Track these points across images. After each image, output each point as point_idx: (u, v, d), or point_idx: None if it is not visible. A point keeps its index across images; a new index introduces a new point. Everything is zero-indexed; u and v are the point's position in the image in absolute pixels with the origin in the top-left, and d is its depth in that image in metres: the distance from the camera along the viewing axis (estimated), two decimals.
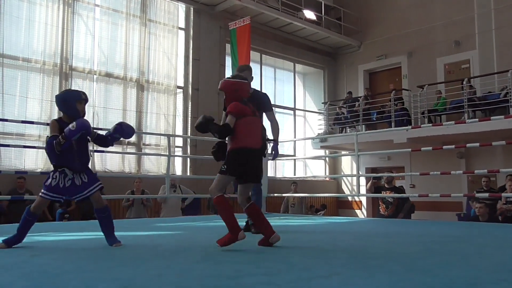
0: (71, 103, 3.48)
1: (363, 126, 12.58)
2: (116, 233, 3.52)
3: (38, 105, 9.06)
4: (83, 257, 2.94)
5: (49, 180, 3.38)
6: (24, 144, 8.37)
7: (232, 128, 3.40)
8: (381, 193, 7.99)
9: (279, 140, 4.63)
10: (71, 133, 3.25)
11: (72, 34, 9.59)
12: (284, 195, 9.68)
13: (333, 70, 15.49)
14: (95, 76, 9.95)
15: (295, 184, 11.09)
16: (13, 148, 8.37)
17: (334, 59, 15.52)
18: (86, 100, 3.59)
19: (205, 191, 9.68)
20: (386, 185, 8.07)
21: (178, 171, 11.10)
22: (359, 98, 13.18)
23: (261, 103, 4.50)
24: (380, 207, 8.18)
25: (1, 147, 8.31)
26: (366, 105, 12.82)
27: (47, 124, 9.02)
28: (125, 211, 8.83)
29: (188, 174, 11.12)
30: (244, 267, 2.58)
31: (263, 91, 14.11)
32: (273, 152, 4.60)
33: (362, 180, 11.89)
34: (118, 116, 10.11)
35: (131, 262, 2.76)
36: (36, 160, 8.89)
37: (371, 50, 14.49)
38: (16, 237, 3.36)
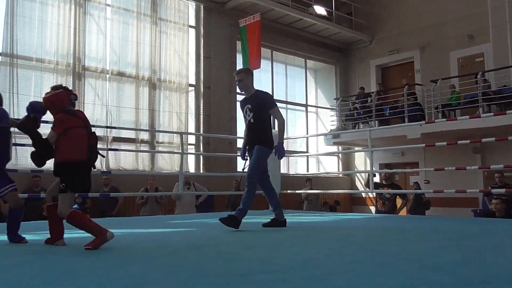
0: None
1: (376, 121, 12.48)
2: (131, 230, 3.55)
3: None
4: (96, 254, 2.97)
5: None
6: None
7: (50, 145, 3.44)
8: (379, 189, 8.12)
9: (282, 139, 4.65)
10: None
11: (84, 34, 9.66)
12: (297, 191, 9.66)
13: (344, 65, 15.40)
14: (107, 75, 10.02)
15: (310, 180, 11.07)
16: (28, 147, 8.46)
17: (346, 54, 15.42)
18: None
19: (218, 188, 9.81)
20: (384, 182, 8.24)
21: (191, 168, 11.14)
22: (371, 94, 13.09)
23: (262, 103, 4.59)
24: (377, 203, 8.42)
25: (17, 146, 8.42)
26: (379, 100, 12.72)
27: None
28: (139, 209, 8.90)
29: (201, 171, 11.16)
30: (257, 264, 2.58)
31: (274, 87, 14.06)
32: (277, 154, 4.64)
33: (376, 176, 11.83)
34: (131, 115, 10.18)
35: (144, 260, 2.78)
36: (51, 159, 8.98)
37: (383, 45, 14.37)
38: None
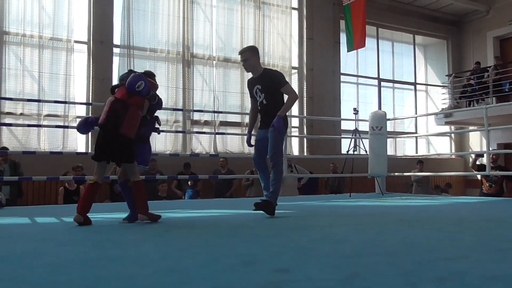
0: None
1: (494, 98, 11.52)
2: (238, 211, 3.69)
3: (165, 91, 9.74)
4: (208, 233, 3.14)
5: None
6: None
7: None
8: (485, 171, 7.66)
9: (283, 113, 4.24)
10: None
11: (192, 22, 10.12)
12: (405, 174, 9.29)
13: (457, 39, 14.34)
14: (214, 62, 10.41)
15: (421, 163, 10.56)
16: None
17: (459, 27, 14.33)
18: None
19: (322, 171, 9.78)
20: (492, 164, 7.73)
21: (295, 151, 11.23)
22: (488, 69, 12.07)
23: (273, 81, 4.34)
24: (483, 186, 8.17)
25: None
26: (497, 75, 11.69)
27: (174, 109, 9.65)
28: (245, 190, 9.21)
29: (305, 154, 11.20)
30: (363, 246, 2.55)
31: (380, 65, 13.59)
32: (273, 125, 4.18)
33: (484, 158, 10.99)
34: (236, 99, 10.50)
35: (252, 239, 2.88)
36: (165, 143, 9.62)
37: (502, 14, 13.08)
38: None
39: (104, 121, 3.56)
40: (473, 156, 10.27)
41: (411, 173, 9.96)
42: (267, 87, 4.34)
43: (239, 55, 4.52)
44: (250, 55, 4.39)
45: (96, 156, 3.57)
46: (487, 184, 8.09)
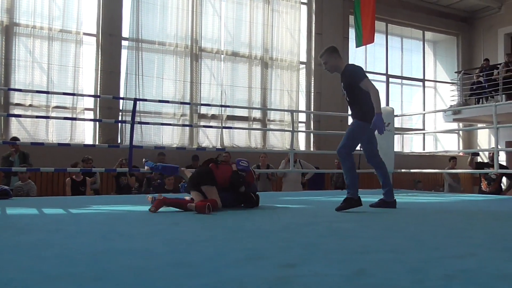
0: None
1: (503, 96, 11.42)
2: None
3: (173, 85, 9.75)
4: (216, 227, 3.15)
5: None
6: (161, 122, 9.12)
7: None
8: (483, 169, 7.86)
9: (380, 108, 4.08)
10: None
11: (201, 16, 10.11)
12: (412, 170, 9.25)
13: (468, 36, 14.22)
14: (222, 56, 10.40)
15: (454, 159, 10.36)
16: (152, 125, 9.18)
17: (470, 23, 14.21)
18: None
19: (329, 166, 9.76)
20: (490, 162, 7.95)
21: (302, 146, 11.21)
22: (498, 66, 11.96)
23: (351, 78, 4.23)
24: (482, 184, 8.31)
25: (142, 125, 9.15)
26: (507, 72, 11.59)
27: (181, 103, 9.67)
28: None
29: (312, 149, 11.18)
30: (370, 242, 2.55)
31: (389, 61, 13.52)
32: (375, 128, 4.11)
33: (502, 155, 10.91)
34: (244, 93, 10.49)
35: (259, 234, 2.89)
36: (172, 136, 9.64)
37: None
38: None
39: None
40: (481, 154, 10.25)
41: (417, 170, 9.89)
42: (347, 85, 4.28)
43: (319, 58, 4.39)
44: (328, 58, 4.30)
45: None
46: (485, 182, 8.18)
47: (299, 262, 1.98)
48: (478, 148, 13.71)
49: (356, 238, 2.71)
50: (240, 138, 10.33)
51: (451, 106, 12.75)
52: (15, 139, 7.57)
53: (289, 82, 11.02)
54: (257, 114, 10.72)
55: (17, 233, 2.78)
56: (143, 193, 7.37)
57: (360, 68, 4.35)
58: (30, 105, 8.57)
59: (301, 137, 11.34)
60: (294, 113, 10.15)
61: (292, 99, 11.02)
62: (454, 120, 12.69)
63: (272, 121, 10.96)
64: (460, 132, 13.95)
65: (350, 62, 12.16)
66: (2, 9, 8.47)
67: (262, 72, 10.73)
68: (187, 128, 9.75)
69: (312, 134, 11.23)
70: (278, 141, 10.80)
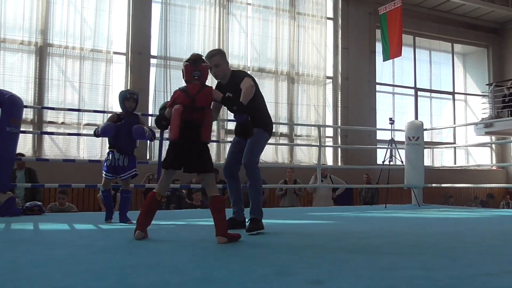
0: (121, 100, 4.30)
1: None
2: (270, 221, 3.67)
3: None
4: (242, 242, 3.13)
5: (104, 162, 4.33)
6: None
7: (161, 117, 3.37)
8: None
9: (244, 108, 3.37)
10: (99, 133, 4.24)
11: (227, 33, 10.24)
12: (443, 185, 9.04)
13: (499, 47, 13.93)
14: (248, 72, 10.46)
15: None
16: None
17: (501, 35, 13.93)
18: (132, 97, 4.31)
19: (356, 181, 9.64)
20: None
21: (329, 161, 11.13)
22: None
23: (239, 79, 3.76)
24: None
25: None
26: None
27: None
28: (279, 200, 9.18)
29: (339, 164, 11.08)
30: (400, 259, 2.49)
31: (417, 75, 13.35)
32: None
33: None
34: (270, 109, 10.41)
35: (286, 250, 2.86)
36: None
37: None
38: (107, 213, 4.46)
39: (178, 136, 3.10)
40: None
41: (449, 184, 9.67)
42: (238, 90, 3.69)
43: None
44: (221, 60, 3.84)
45: (167, 164, 3.16)
46: None
47: (327, 278, 1.95)
48: None
49: (385, 255, 2.66)
50: (267, 153, 10.32)
51: (483, 119, 12.46)
52: (20, 155, 7.53)
53: (315, 97, 11.00)
54: (283, 129, 10.72)
55: (49, 248, 2.84)
56: (165, 209, 7.43)
57: (244, 71, 4.11)
58: (63, 123, 8.80)
59: (329, 152, 11.25)
60: (321, 127, 10.09)
61: (319, 114, 10.98)
62: (486, 133, 12.38)
63: (299, 136, 10.93)
64: (493, 145, 13.60)
65: (376, 76, 12.21)
66: (36, 31, 8.78)
67: (288, 87, 10.75)
68: (214, 143, 9.81)
69: (339, 149, 11.14)
70: (305, 156, 10.74)
